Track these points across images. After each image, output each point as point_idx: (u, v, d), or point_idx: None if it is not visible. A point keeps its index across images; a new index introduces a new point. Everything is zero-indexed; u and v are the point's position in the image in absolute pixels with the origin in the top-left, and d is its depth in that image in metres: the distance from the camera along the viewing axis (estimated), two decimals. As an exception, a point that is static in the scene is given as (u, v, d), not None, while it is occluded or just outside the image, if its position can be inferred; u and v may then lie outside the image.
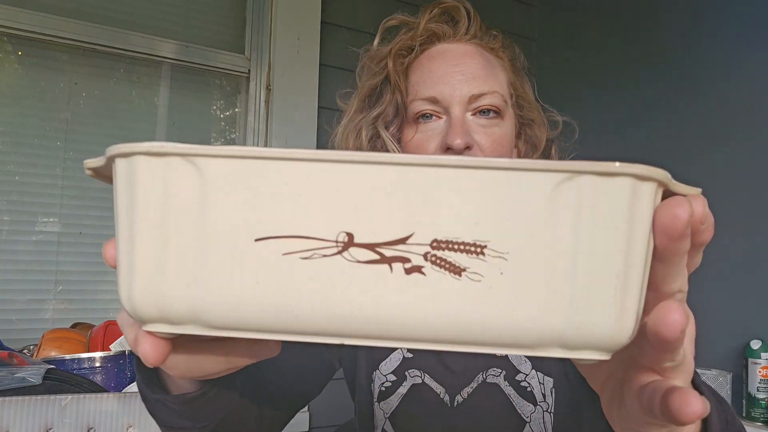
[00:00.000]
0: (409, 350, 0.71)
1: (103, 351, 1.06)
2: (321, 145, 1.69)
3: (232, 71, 1.68)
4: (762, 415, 1.32)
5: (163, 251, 0.25)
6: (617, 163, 0.24)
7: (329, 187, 0.25)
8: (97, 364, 1.03)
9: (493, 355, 0.66)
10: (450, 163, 0.24)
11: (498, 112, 0.65)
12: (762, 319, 1.39)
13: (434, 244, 0.24)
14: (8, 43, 1.45)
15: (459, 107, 0.63)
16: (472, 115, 0.64)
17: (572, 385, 0.65)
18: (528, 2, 2.15)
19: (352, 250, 0.25)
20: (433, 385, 0.69)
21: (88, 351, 1.09)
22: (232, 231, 0.25)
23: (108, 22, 1.52)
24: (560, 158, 0.73)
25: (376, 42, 0.72)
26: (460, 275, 0.24)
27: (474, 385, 0.68)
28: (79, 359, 1.03)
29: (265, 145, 1.65)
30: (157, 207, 0.25)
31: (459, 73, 0.65)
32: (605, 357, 0.25)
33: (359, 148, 0.68)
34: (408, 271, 0.25)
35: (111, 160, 0.27)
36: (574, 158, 0.68)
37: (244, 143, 1.68)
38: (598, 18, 1.93)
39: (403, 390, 0.70)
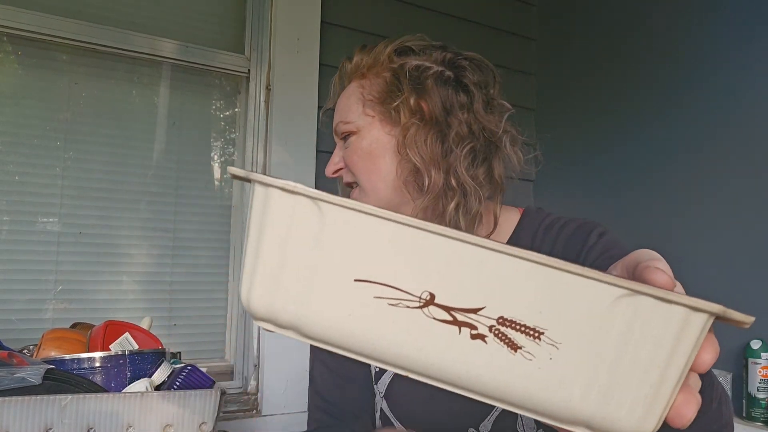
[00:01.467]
0: None
1: (103, 351, 1.06)
2: (321, 145, 1.69)
3: (232, 71, 1.67)
4: (762, 415, 1.32)
5: (281, 269, 0.31)
6: (675, 294, 0.28)
7: (423, 252, 0.30)
8: (97, 364, 1.03)
9: None
10: (531, 258, 0.29)
11: (347, 134, 0.81)
12: (762, 319, 1.39)
13: (500, 320, 0.29)
14: (8, 43, 1.45)
15: (336, 137, 0.84)
16: (340, 140, 0.83)
17: None
18: (528, 2, 2.15)
19: (431, 308, 0.30)
20: None
21: (88, 351, 1.09)
22: (338, 268, 0.31)
23: (108, 22, 1.52)
24: (517, 152, 0.80)
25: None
26: (515, 351, 0.29)
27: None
28: (79, 359, 1.03)
29: (265, 145, 1.65)
30: (282, 232, 0.31)
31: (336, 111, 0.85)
32: None
33: None
34: (473, 337, 0.30)
35: (252, 182, 0.33)
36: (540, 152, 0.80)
37: (243, 143, 1.68)
38: (598, 18, 1.93)
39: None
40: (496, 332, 0.29)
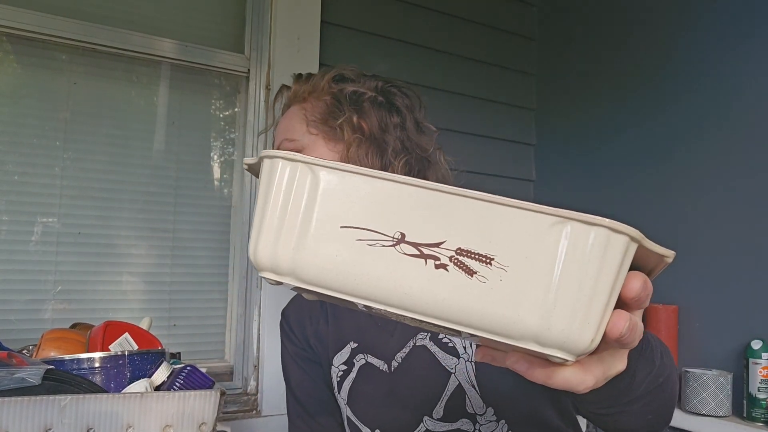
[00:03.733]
0: (354, 340, 0.87)
1: (102, 351, 1.06)
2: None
3: (232, 71, 1.67)
4: (762, 415, 1.32)
5: (281, 223, 0.38)
6: (597, 217, 0.33)
7: (396, 200, 0.36)
8: (97, 365, 1.02)
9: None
10: (479, 197, 0.35)
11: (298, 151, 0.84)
12: (762, 319, 1.39)
13: (458, 251, 0.35)
14: (8, 42, 1.45)
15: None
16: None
17: None
18: (528, 2, 2.15)
19: (402, 245, 0.36)
20: (375, 361, 0.84)
21: (88, 351, 1.08)
22: (327, 218, 0.37)
23: (107, 22, 1.52)
24: (447, 168, 0.91)
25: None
26: (472, 276, 0.35)
27: (406, 350, 0.83)
28: (79, 359, 1.03)
29: (265, 145, 1.65)
30: (284, 193, 0.38)
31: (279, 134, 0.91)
32: (570, 358, 0.34)
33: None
34: (437, 267, 0.35)
35: (261, 159, 0.40)
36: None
37: (243, 143, 1.68)
38: (598, 18, 1.92)
39: (353, 374, 0.85)
40: (455, 261, 0.35)
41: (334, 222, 0.37)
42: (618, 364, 0.39)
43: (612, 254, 0.33)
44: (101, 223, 1.52)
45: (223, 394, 1.02)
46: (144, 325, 1.19)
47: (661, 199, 1.65)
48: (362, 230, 0.37)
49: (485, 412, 0.76)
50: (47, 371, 0.92)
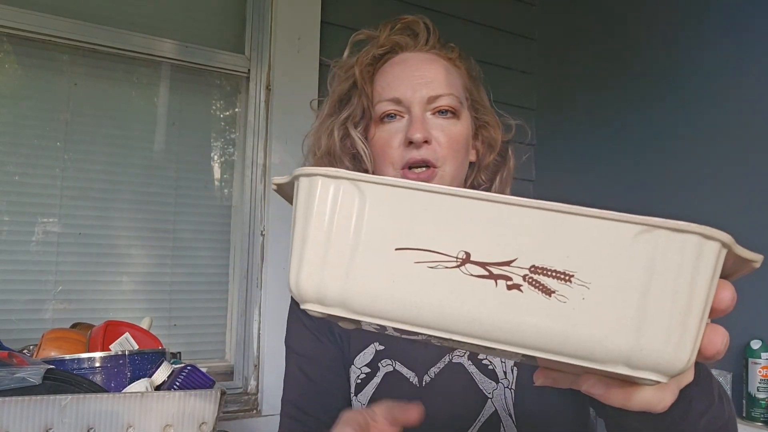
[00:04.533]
0: (380, 343, 0.78)
1: (103, 351, 1.06)
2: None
3: (232, 71, 1.67)
4: (762, 415, 1.32)
5: (327, 250, 0.34)
6: (688, 223, 0.30)
7: (456, 216, 0.33)
8: (97, 364, 1.03)
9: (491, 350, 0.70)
10: (553, 208, 0.32)
11: (454, 113, 0.74)
12: (762, 319, 1.39)
13: (532, 269, 0.32)
14: (8, 43, 1.45)
15: (419, 107, 0.72)
16: (431, 114, 0.73)
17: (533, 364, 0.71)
18: (528, 2, 2.15)
19: (468, 266, 0.32)
20: (404, 371, 0.76)
21: (88, 351, 1.09)
22: (380, 240, 0.34)
23: (108, 22, 1.52)
24: (516, 158, 0.84)
25: (345, 53, 0.81)
26: (550, 296, 0.31)
27: (441, 365, 0.75)
28: (79, 359, 1.03)
29: (265, 145, 1.65)
30: (327, 216, 0.34)
31: (419, 77, 0.73)
32: (663, 380, 0.31)
33: (331, 148, 0.77)
34: (509, 288, 0.32)
35: (296, 178, 0.36)
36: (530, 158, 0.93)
37: (243, 143, 1.68)
38: (598, 18, 1.93)
39: (377, 380, 0.76)
40: (530, 280, 0.32)
41: (388, 244, 0.33)
42: (689, 376, 0.37)
43: (705, 263, 0.30)
44: (102, 223, 1.53)
45: (223, 393, 1.03)
46: (144, 324, 1.19)
47: (661, 198, 1.65)
48: (421, 251, 0.33)
49: None
50: (48, 371, 0.93)
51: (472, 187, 0.79)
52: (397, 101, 0.73)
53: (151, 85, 1.62)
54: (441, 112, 0.73)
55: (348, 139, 0.77)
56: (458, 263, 0.32)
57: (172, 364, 1.10)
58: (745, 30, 1.49)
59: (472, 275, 0.32)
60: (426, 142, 0.71)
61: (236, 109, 1.72)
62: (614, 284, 0.31)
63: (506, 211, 0.32)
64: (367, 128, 0.76)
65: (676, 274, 0.30)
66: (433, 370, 0.75)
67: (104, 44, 1.51)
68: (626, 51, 1.81)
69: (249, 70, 1.68)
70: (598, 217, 0.31)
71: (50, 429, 0.88)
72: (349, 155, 0.77)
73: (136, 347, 1.10)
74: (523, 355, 0.34)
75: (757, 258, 0.33)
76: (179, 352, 1.38)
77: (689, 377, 0.37)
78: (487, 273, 0.32)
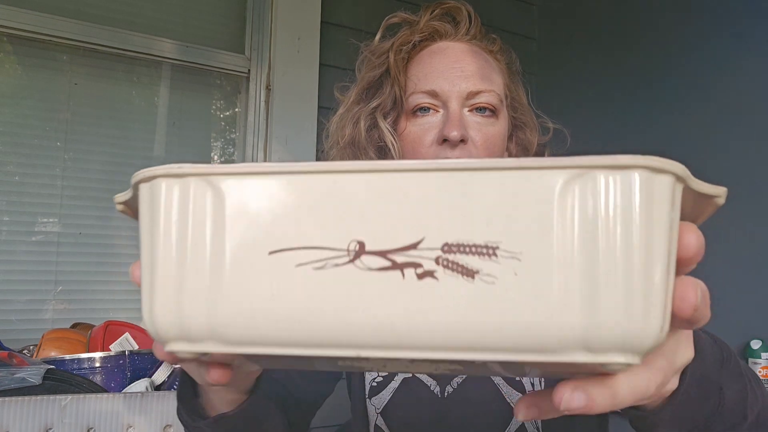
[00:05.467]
0: None
1: (103, 351, 1.06)
2: (321, 145, 1.69)
3: (232, 71, 1.67)
4: (762, 415, 1.32)
5: (182, 269, 0.26)
6: (628, 156, 0.24)
7: (338, 198, 0.25)
8: (97, 365, 1.03)
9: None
10: (458, 166, 0.24)
11: (493, 111, 0.67)
12: (762, 319, 1.39)
13: (445, 248, 0.24)
14: (8, 43, 1.45)
15: (457, 102, 0.66)
16: (468, 111, 0.67)
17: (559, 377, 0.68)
18: (528, 2, 2.15)
19: (363, 258, 0.25)
20: (424, 378, 0.70)
21: (88, 351, 1.09)
22: (247, 246, 0.26)
23: (108, 22, 1.52)
24: None
25: (377, 37, 0.74)
26: (473, 278, 0.24)
27: (464, 375, 0.68)
28: (79, 359, 1.03)
29: (265, 145, 1.65)
30: (177, 226, 0.27)
31: (458, 69, 0.67)
32: (635, 360, 0.24)
33: (356, 137, 0.70)
34: (420, 276, 0.24)
35: (136, 188, 0.28)
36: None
37: (243, 143, 1.68)
38: (598, 18, 1.93)
39: (395, 384, 0.71)
40: (445, 263, 0.24)
41: (258, 249, 0.26)
42: (685, 351, 0.31)
43: (659, 204, 0.24)
44: (102, 223, 1.53)
45: (223, 393, 1.02)
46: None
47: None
48: (301, 250, 0.25)
49: None
50: (48, 371, 0.93)
51: None
52: (434, 94, 0.66)
53: (151, 85, 1.62)
54: (479, 109, 0.67)
55: (375, 130, 0.70)
56: (351, 257, 0.25)
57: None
58: (746, 28, 1.49)
59: (371, 269, 0.25)
60: (462, 141, 0.64)
61: (236, 109, 1.72)
62: (551, 249, 0.24)
63: (400, 181, 0.25)
64: (397, 120, 0.70)
65: (624, 223, 0.23)
66: (456, 380, 0.69)
67: (104, 44, 1.51)
68: (627, 51, 1.81)
69: (249, 70, 1.68)
70: (515, 167, 0.24)
71: (50, 429, 0.88)
72: (375, 147, 0.70)
73: (136, 347, 1.10)
74: (458, 363, 0.27)
75: (719, 192, 0.28)
76: (179, 352, 1.38)
77: (688, 354, 0.31)
78: (389, 263, 0.25)
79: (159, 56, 1.58)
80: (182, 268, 0.26)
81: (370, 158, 0.69)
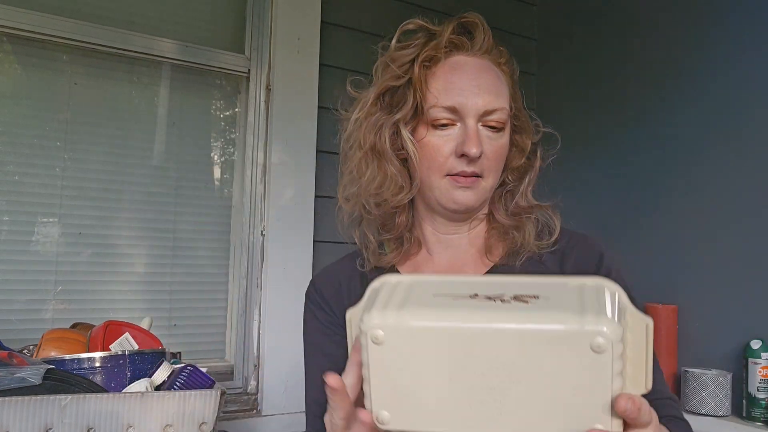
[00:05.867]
0: None
1: (103, 351, 1.06)
2: (321, 145, 1.69)
3: (232, 71, 1.67)
4: (762, 415, 1.32)
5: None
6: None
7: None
8: (97, 364, 1.03)
9: None
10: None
11: (502, 126, 0.75)
12: (762, 319, 1.39)
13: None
14: (8, 43, 1.45)
15: (473, 119, 0.73)
16: (481, 125, 0.74)
17: None
18: (528, 2, 2.15)
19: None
20: None
21: (88, 351, 1.09)
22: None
23: (108, 22, 1.52)
24: (542, 162, 0.84)
25: (393, 43, 0.79)
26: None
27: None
28: (79, 359, 1.03)
29: (265, 145, 1.65)
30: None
31: (476, 87, 0.73)
32: None
33: (380, 147, 0.76)
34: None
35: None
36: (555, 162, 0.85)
37: (243, 143, 1.68)
38: (598, 18, 1.93)
39: None
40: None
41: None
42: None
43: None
44: (101, 223, 1.53)
45: (223, 393, 1.03)
46: (144, 324, 1.19)
47: (661, 199, 1.65)
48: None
49: None
50: (48, 371, 0.93)
51: (501, 186, 0.81)
52: (453, 110, 0.73)
53: (151, 85, 1.62)
54: (491, 126, 0.74)
55: (397, 138, 0.76)
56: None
57: (172, 364, 1.10)
58: (747, 27, 1.49)
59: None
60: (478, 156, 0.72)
61: (236, 109, 1.72)
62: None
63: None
64: (416, 128, 0.76)
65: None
66: None
67: (104, 44, 1.51)
68: (627, 51, 1.81)
69: (249, 70, 1.68)
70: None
71: (50, 429, 0.88)
72: (397, 154, 0.77)
73: (136, 347, 1.10)
74: None
75: (647, 320, 0.48)
76: (179, 352, 1.38)
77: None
78: None
79: (159, 56, 1.58)
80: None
81: (394, 166, 0.76)
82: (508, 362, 0.43)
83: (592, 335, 0.40)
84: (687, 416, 1.42)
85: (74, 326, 1.31)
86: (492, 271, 0.80)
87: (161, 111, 1.62)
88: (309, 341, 0.86)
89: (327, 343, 0.83)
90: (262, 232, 1.63)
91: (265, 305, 1.60)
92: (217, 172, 1.69)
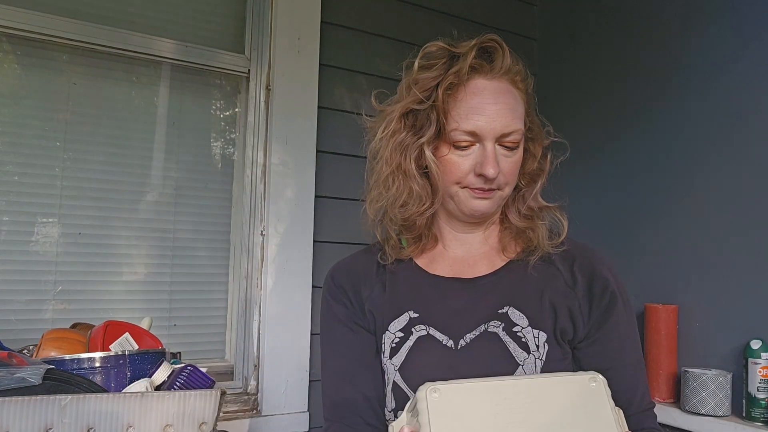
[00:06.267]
0: (414, 310, 0.86)
1: (103, 351, 1.06)
2: (321, 145, 1.69)
3: (232, 71, 1.67)
4: (762, 415, 1.32)
5: None
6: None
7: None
8: (97, 365, 1.03)
9: (495, 311, 0.84)
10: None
11: (518, 144, 0.82)
12: (762, 319, 1.39)
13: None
14: (8, 43, 1.45)
15: (491, 141, 0.79)
16: (498, 145, 0.80)
17: (559, 341, 0.83)
18: (528, 2, 2.15)
19: None
20: (437, 335, 0.84)
21: (88, 351, 1.09)
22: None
23: (107, 22, 1.52)
24: (551, 166, 0.90)
25: (416, 66, 0.84)
26: None
27: (476, 333, 0.83)
28: (79, 359, 1.03)
29: (265, 145, 1.65)
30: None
31: (494, 111, 0.79)
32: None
33: (406, 168, 0.83)
34: None
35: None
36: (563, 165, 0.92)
37: (243, 143, 1.68)
38: (598, 18, 1.93)
39: (410, 342, 0.84)
40: None
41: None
42: None
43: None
44: (101, 223, 1.53)
45: (223, 393, 1.03)
46: (144, 325, 1.19)
47: (661, 199, 1.65)
48: None
49: None
50: (48, 371, 0.93)
51: (514, 189, 0.87)
52: (473, 134, 0.79)
53: (151, 85, 1.62)
54: (507, 146, 0.81)
55: (422, 159, 0.83)
56: None
57: (172, 364, 1.10)
58: (748, 28, 1.49)
59: None
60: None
61: (236, 109, 1.72)
62: None
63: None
64: (437, 145, 0.82)
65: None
66: (469, 336, 0.83)
67: (104, 44, 1.51)
68: (627, 51, 1.81)
69: (249, 70, 1.68)
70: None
71: (50, 429, 0.88)
72: (420, 173, 0.84)
73: (136, 347, 1.10)
74: None
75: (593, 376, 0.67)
76: (179, 352, 1.38)
77: None
78: None
79: (159, 56, 1.58)
80: None
81: (417, 183, 0.84)
82: (536, 401, 0.61)
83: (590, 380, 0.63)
84: (687, 416, 1.43)
85: (74, 326, 1.31)
86: (508, 266, 0.87)
87: (161, 111, 1.62)
88: (326, 338, 0.93)
89: (344, 339, 0.90)
90: (262, 232, 1.63)
91: (265, 305, 1.60)
92: (217, 173, 1.69)
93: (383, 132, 0.85)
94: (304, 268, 1.64)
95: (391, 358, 0.85)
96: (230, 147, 1.71)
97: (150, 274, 1.58)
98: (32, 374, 0.90)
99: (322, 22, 1.71)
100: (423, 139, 0.81)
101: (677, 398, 1.51)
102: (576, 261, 0.86)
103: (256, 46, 1.69)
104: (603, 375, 0.66)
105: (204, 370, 1.08)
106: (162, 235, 1.60)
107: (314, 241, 1.66)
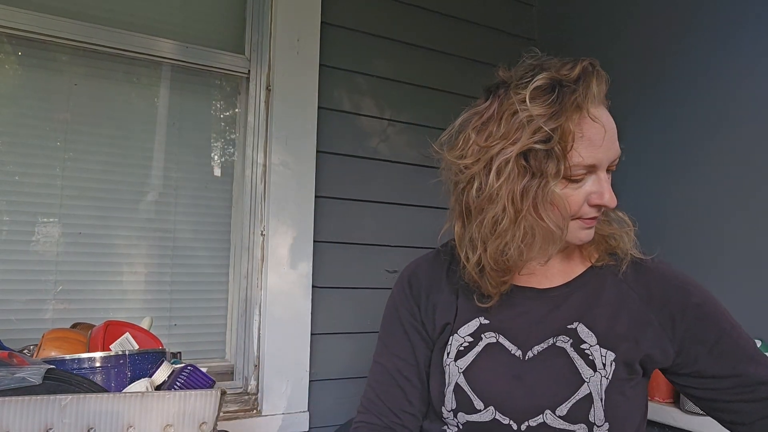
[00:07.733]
0: (485, 317, 0.88)
1: (103, 351, 1.06)
2: (321, 145, 1.69)
3: (232, 71, 1.68)
4: (762, 415, 1.32)
5: None
6: None
7: None
8: (97, 364, 1.03)
9: (565, 326, 0.85)
10: None
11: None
12: (762, 319, 1.39)
13: None
14: (8, 43, 1.45)
15: (604, 170, 0.81)
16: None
17: (629, 362, 0.82)
18: (528, 2, 2.15)
19: None
20: (507, 344, 0.86)
21: (88, 351, 1.09)
22: None
23: (107, 23, 1.52)
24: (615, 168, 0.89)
25: (528, 99, 0.80)
26: None
27: (544, 345, 0.84)
28: (79, 359, 1.03)
29: (265, 145, 1.65)
30: None
31: (609, 140, 0.79)
32: None
33: (525, 210, 0.77)
34: None
35: None
36: None
37: (243, 143, 1.69)
38: (598, 18, 1.93)
39: (478, 348, 0.86)
40: None
41: None
42: None
43: None
44: (101, 223, 1.53)
45: (223, 393, 1.03)
46: (144, 324, 1.20)
47: (662, 199, 1.65)
48: None
49: (603, 425, 0.80)
50: (48, 371, 0.93)
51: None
52: (592, 167, 0.79)
53: (151, 85, 1.62)
54: (609, 169, 0.82)
55: (538, 197, 0.79)
56: None
57: (172, 364, 1.10)
58: (745, 28, 1.50)
59: None
60: None
61: (236, 110, 1.72)
62: None
63: None
64: (556, 177, 0.78)
65: None
66: (537, 348, 0.84)
67: (104, 44, 1.51)
68: (626, 51, 1.81)
69: (249, 70, 1.68)
70: None
71: (50, 429, 0.88)
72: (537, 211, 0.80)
73: (136, 347, 1.10)
74: None
75: None
76: (179, 352, 1.38)
77: None
78: None
79: (159, 56, 1.58)
80: None
81: (540, 225, 0.79)
82: None
83: None
84: (687, 416, 1.42)
85: (74, 326, 1.31)
86: (582, 276, 0.89)
87: (161, 111, 1.63)
88: (385, 335, 0.96)
89: (403, 344, 0.93)
90: (262, 232, 1.63)
91: (265, 305, 1.60)
92: (217, 173, 1.69)
93: (498, 182, 0.78)
94: (304, 268, 1.64)
95: (456, 360, 0.87)
96: (230, 147, 1.72)
97: (150, 273, 1.58)
98: (32, 374, 0.90)
99: (321, 22, 1.71)
100: (551, 184, 0.77)
101: (677, 398, 1.51)
102: (647, 273, 0.89)
103: (256, 46, 1.69)
104: (736, 379, 0.70)
105: (204, 369, 1.08)
106: (162, 235, 1.60)
107: (314, 241, 1.66)
